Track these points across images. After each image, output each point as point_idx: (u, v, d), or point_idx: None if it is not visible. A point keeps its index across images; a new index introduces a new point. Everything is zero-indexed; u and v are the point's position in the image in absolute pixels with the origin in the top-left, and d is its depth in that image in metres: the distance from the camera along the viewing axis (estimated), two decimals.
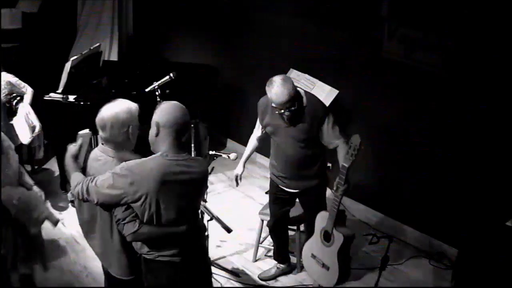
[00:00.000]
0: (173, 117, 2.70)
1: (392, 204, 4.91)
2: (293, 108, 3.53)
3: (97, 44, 5.65)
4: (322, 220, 3.69)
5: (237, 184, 4.12)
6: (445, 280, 4.34)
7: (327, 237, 3.66)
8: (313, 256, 3.81)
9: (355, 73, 4.87)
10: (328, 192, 4.82)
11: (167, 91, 4.90)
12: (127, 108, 2.88)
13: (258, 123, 3.97)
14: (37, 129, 5.00)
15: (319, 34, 5.11)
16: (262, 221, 4.37)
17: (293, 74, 4.90)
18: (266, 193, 5.47)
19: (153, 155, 2.73)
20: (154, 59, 6.31)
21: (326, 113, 3.67)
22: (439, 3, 4.17)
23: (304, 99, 3.64)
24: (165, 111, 2.71)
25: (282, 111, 3.54)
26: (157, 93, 4.58)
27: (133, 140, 2.94)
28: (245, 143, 6.27)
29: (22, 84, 5.07)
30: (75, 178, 2.79)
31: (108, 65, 6.08)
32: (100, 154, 2.91)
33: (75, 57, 5.17)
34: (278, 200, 4.03)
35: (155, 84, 4.61)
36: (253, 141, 4.11)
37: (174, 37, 6.80)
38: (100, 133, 2.87)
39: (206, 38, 6.37)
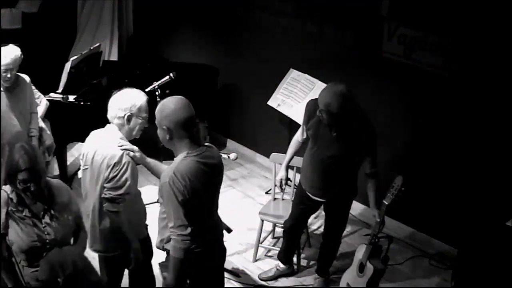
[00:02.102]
0: (176, 117, 2.69)
1: (392, 204, 4.89)
2: (325, 116, 3.42)
3: (97, 44, 5.64)
4: (361, 251, 3.76)
5: (282, 189, 4.01)
6: (445, 280, 4.34)
7: (361, 268, 3.75)
8: (348, 285, 3.90)
9: (355, 73, 4.87)
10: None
11: (167, 91, 4.90)
12: (133, 96, 2.98)
13: (302, 126, 3.86)
14: (47, 144, 4.78)
15: (319, 34, 5.11)
16: (262, 221, 4.36)
17: (293, 74, 4.89)
18: (266, 193, 5.49)
19: (178, 158, 2.74)
20: (154, 59, 6.30)
21: (373, 149, 3.63)
22: (439, 3, 4.18)
23: (358, 122, 3.55)
24: (167, 113, 2.71)
25: (318, 112, 3.47)
26: (157, 93, 4.58)
27: (132, 129, 3.01)
28: (245, 143, 6.35)
29: (37, 94, 4.79)
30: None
31: (108, 65, 6.07)
32: (105, 132, 3.02)
33: (75, 57, 5.16)
34: (303, 206, 3.96)
35: (155, 84, 4.61)
36: (294, 144, 3.95)
37: (174, 37, 6.79)
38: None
39: (206, 38, 6.36)
